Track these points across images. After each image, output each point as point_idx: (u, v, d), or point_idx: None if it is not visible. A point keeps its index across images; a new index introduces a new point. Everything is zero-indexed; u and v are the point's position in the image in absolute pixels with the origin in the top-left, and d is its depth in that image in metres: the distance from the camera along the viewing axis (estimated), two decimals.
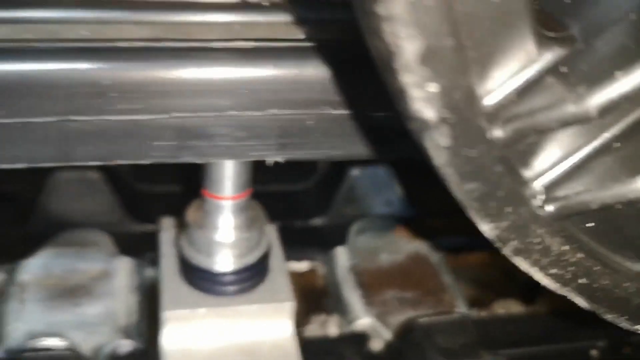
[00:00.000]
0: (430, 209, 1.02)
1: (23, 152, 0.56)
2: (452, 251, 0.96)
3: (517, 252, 0.45)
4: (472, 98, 0.35)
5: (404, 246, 0.91)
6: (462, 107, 0.35)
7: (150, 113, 0.55)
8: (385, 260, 0.89)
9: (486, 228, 0.43)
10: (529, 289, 0.93)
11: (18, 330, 0.75)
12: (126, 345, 0.76)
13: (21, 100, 0.53)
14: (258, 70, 0.56)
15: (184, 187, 1.03)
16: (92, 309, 0.78)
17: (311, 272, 0.94)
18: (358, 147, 0.61)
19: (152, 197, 1.01)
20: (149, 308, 0.83)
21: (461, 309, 0.81)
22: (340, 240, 0.94)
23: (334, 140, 0.60)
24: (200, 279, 0.72)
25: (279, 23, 0.61)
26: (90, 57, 0.54)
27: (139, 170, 1.00)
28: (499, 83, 0.38)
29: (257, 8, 0.61)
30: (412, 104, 0.35)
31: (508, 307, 0.82)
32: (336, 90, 0.58)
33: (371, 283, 0.85)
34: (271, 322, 0.73)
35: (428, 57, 0.32)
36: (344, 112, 0.58)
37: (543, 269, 0.47)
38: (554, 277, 0.48)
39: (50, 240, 0.87)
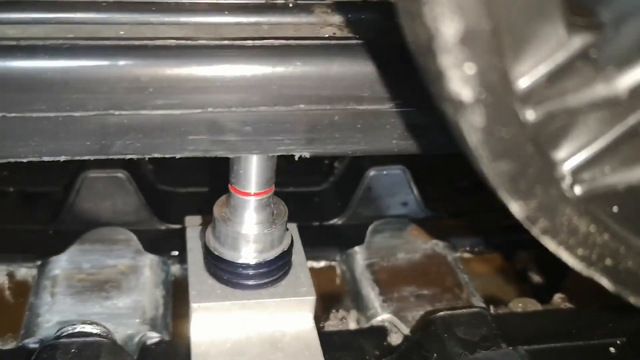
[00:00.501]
0: (445, 209, 1.04)
1: (64, 146, 0.59)
2: (466, 251, 0.98)
3: (545, 231, 0.47)
4: (506, 80, 0.38)
5: (420, 245, 0.93)
6: (497, 88, 0.38)
7: (186, 108, 0.58)
8: (402, 259, 0.91)
9: (516, 207, 0.45)
10: (543, 289, 0.95)
11: (50, 322, 0.78)
12: (153, 337, 0.78)
13: (63, 95, 0.56)
14: (287, 67, 0.59)
15: (205, 187, 1.05)
16: (120, 302, 0.81)
17: (329, 270, 0.96)
18: (382, 143, 0.64)
19: (174, 197, 1.04)
20: (173, 302, 0.85)
21: (479, 305, 0.83)
22: (358, 240, 0.96)
23: (359, 135, 0.63)
24: (226, 272, 0.75)
25: (303, 23, 0.64)
26: (131, 54, 0.56)
27: (162, 171, 1.03)
28: (531, 66, 0.40)
29: (284, 9, 0.64)
30: (449, 85, 0.37)
31: (525, 306, 0.83)
32: (361, 86, 0.60)
33: (388, 281, 0.87)
34: (293, 315, 0.76)
35: (467, 39, 0.35)
36: (368, 107, 0.61)
37: (570, 249, 0.49)
38: (580, 257, 0.50)
39: (79, 238, 0.89)
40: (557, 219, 0.46)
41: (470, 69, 0.37)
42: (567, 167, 0.45)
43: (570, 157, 0.45)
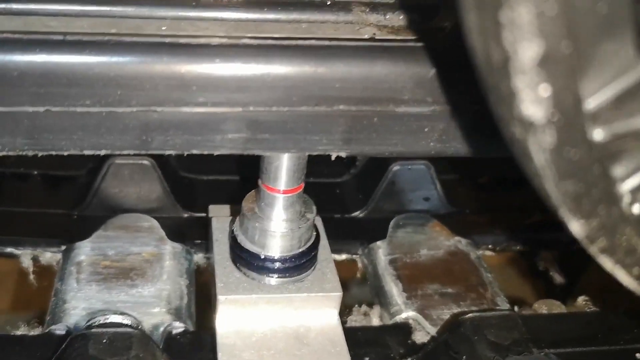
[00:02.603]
0: (467, 205, 1.05)
1: (105, 140, 0.59)
2: (488, 249, 0.98)
3: (603, 250, 0.47)
4: (578, 101, 0.38)
5: (443, 242, 0.93)
6: (569, 109, 0.38)
7: (228, 106, 0.58)
8: (425, 255, 0.91)
9: (576, 226, 0.45)
10: (565, 290, 0.95)
11: (77, 308, 0.78)
12: (178, 327, 0.78)
13: (108, 91, 0.56)
14: (330, 68, 0.59)
15: (228, 176, 1.06)
16: (145, 291, 0.81)
17: (350, 264, 0.96)
18: (420, 145, 0.64)
19: (197, 185, 1.05)
20: (197, 292, 0.86)
21: (503, 305, 0.83)
22: (379, 234, 0.96)
23: (397, 137, 0.63)
24: (253, 266, 0.75)
25: (341, 22, 0.64)
26: (176, 51, 0.57)
27: (186, 159, 1.03)
28: (599, 87, 0.40)
29: (322, 7, 0.64)
30: (521, 106, 0.37)
31: (550, 307, 0.83)
32: (402, 88, 0.60)
33: (412, 277, 0.87)
34: (319, 311, 0.77)
35: (544, 62, 0.35)
36: (408, 110, 0.61)
37: (626, 268, 0.49)
38: (636, 276, 0.50)
39: (104, 224, 0.90)
40: (616, 239, 0.47)
41: (545, 90, 0.37)
42: (626, 185, 0.45)
43: (630, 175, 0.45)
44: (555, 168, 0.40)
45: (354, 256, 0.97)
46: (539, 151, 0.39)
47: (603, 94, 0.40)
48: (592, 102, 0.40)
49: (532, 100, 0.37)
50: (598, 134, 0.41)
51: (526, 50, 0.35)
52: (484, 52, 0.37)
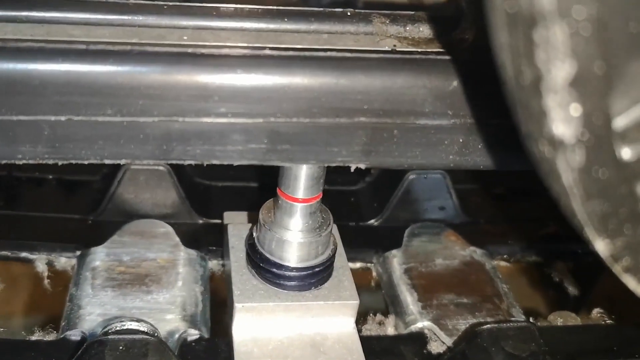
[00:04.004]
0: (482, 215, 1.05)
1: (125, 149, 0.59)
2: (503, 259, 0.98)
3: (627, 269, 0.47)
4: (607, 120, 0.38)
5: (458, 252, 0.93)
6: (598, 128, 0.38)
7: (249, 117, 0.58)
8: (440, 265, 0.91)
9: (601, 245, 0.45)
10: (579, 301, 0.95)
11: (92, 314, 0.78)
12: (193, 334, 0.78)
13: (130, 100, 0.57)
14: (351, 80, 0.59)
15: (243, 182, 1.06)
16: (160, 297, 0.81)
17: (365, 272, 0.96)
18: (439, 158, 0.64)
19: (212, 192, 1.05)
20: (211, 299, 0.86)
21: (519, 317, 0.83)
22: (394, 242, 0.96)
23: (417, 149, 0.63)
24: (270, 274, 0.76)
25: (361, 33, 0.64)
26: (198, 62, 0.57)
27: (200, 165, 1.03)
28: (628, 106, 0.40)
29: (342, 18, 0.64)
30: (551, 124, 0.37)
31: (565, 320, 0.83)
32: (422, 101, 0.61)
33: (427, 287, 0.87)
34: (335, 319, 0.77)
35: (576, 81, 0.35)
36: (428, 122, 0.61)
37: None
38: None
39: (119, 229, 0.90)
40: None
41: (576, 110, 0.37)
42: None
43: None
44: (582, 187, 0.40)
45: (369, 264, 0.96)
46: (567, 170, 0.39)
47: (632, 113, 0.40)
48: (620, 121, 0.40)
49: (563, 120, 0.37)
50: (626, 153, 0.41)
51: (559, 70, 0.35)
52: (514, 70, 0.37)
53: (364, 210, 1.05)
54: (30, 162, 0.59)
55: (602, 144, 0.39)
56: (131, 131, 0.58)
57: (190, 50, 0.58)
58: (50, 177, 1.03)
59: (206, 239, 0.94)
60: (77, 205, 0.98)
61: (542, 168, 0.42)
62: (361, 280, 0.94)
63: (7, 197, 0.99)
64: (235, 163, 0.62)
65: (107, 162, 0.60)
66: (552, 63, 0.35)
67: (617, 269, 0.47)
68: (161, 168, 0.95)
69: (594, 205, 0.42)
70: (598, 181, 0.40)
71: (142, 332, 0.69)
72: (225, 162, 0.62)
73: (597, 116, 0.37)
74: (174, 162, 0.61)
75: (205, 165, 0.64)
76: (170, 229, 0.92)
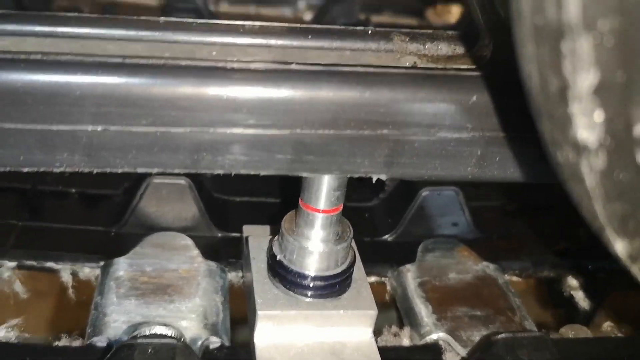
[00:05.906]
0: (494, 231, 1.07)
1: (158, 159, 0.62)
2: (515, 274, 1.00)
3: None
4: (628, 126, 0.40)
5: (472, 267, 0.95)
6: (619, 133, 0.40)
7: (277, 128, 0.61)
8: (453, 279, 0.93)
9: (620, 246, 0.47)
10: (589, 315, 0.97)
11: (117, 322, 0.80)
12: (215, 342, 0.81)
13: (164, 112, 0.59)
14: (376, 94, 0.62)
15: (260, 197, 1.08)
16: (183, 306, 0.83)
17: (379, 286, 0.98)
18: (458, 170, 0.66)
19: (230, 206, 1.07)
20: (231, 308, 0.88)
21: (532, 329, 0.85)
22: (408, 257, 0.98)
23: (437, 161, 0.65)
24: (291, 283, 0.78)
25: (382, 50, 0.66)
26: (229, 76, 0.60)
27: (219, 180, 1.06)
28: None
29: (364, 35, 0.66)
30: (576, 130, 0.40)
31: (576, 333, 0.85)
32: (443, 114, 0.63)
33: (441, 300, 0.89)
34: (354, 328, 0.79)
35: (600, 89, 0.38)
36: (448, 135, 0.64)
37: None
38: None
39: (141, 241, 0.92)
40: None
41: (599, 116, 0.39)
42: None
43: None
44: (604, 190, 0.42)
45: (383, 279, 0.98)
46: (590, 173, 0.42)
47: None
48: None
49: (586, 126, 0.39)
50: None
51: (584, 79, 0.37)
52: (540, 80, 0.39)
53: (379, 225, 1.07)
54: (67, 170, 0.61)
55: (623, 148, 0.41)
56: (164, 141, 0.61)
57: (220, 64, 0.60)
58: (74, 190, 1.05)
59: (225, 252, 0.97)
60: (100, 217, 1.01)
61: (564, 173, 0.44)
62: (376, 295, 0.95)
63: (33, 210, 1.02)
64: (262, 173, 0.65)
65: (139, 170, 0.62)
66: (577, 73, 0.37)
67: (634, 269, 0.49)
68: (182, 182, 0.98)
69: (615, 207, 0.44)
70: (619, 184, 0.42)
71: (170, 337, 0.71)
72: (252, 172, 0.64)
73: (618, 122, 0.40)
74: (203, 171, 0.64)
75: (222, 179, 0.66)
76: (190, 241, 0.94)
